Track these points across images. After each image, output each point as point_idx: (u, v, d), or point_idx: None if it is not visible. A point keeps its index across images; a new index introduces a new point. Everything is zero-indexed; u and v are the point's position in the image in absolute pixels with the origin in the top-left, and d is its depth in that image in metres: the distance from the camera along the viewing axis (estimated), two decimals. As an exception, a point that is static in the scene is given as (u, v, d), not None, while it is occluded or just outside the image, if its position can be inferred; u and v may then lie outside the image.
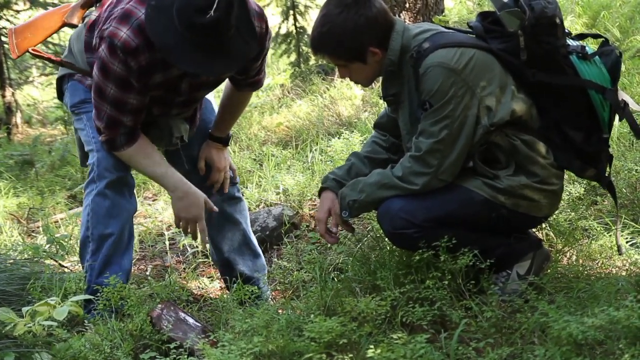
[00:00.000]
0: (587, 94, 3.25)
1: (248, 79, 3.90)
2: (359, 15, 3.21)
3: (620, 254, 3.51)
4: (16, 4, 11.96)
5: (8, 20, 11.61)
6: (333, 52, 3.31)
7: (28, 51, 3.87)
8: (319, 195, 3.58)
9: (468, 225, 3.22)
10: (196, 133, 4.04)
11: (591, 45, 3.41)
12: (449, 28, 3.41)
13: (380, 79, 3.40)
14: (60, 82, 3.96)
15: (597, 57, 3.29)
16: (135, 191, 3.91)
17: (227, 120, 4.08)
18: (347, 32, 3.21)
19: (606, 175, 3.41)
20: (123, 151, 3.67)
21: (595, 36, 3.63)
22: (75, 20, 3.87)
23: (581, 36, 3.47)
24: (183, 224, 3.77)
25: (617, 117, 3.36)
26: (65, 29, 4.04)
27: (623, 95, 3.28)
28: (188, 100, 3.80)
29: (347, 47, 3.25)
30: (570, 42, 3.30)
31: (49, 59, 3.96)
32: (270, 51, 11.94)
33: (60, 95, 4.02)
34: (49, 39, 10.00)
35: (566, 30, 3.27)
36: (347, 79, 7.96)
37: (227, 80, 3.99)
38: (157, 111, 3.76)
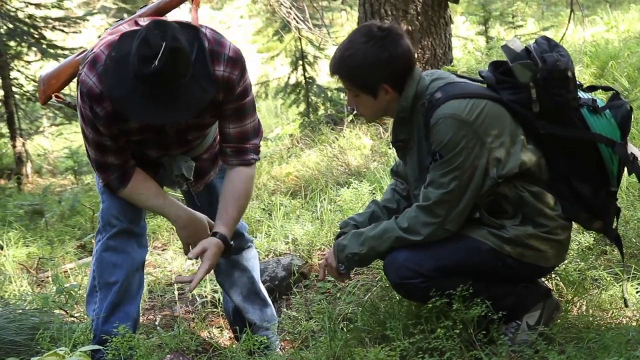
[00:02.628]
0: (597, 147, 3.26)
1: (229, 143, 3.67)
2: (382, 50, 3.24)
3: (626, 307, 3.50)
4: (27, 54, 12.05)
5: (19, 70, 11.68)
6: (349, 77, 3.34)
7: (51, 97, 3.93)
8: (336, 239, 3.54)
9: (474, 275, 3.22)
10: (219, 173, 3.97)
11: (601, 97, 3.42)
12: (461, 76, 3.43)
13: (390, 126, 3.41)
14: None
15: (607, 110, 3.31)
16: (146, 239, 3.89)
17: (228, 209, 3.69)
18: (366, 63, 3.24)
19: (613, 228, 3.41)
20: (121, 192, 3.67)
21: (606, 89, 3.64)
22: None
23: (592, 88, 3.49)
24: (193, 249, 3.68)
25: (626, 170, 3.36)
26: None
27: (632, 149, 3.29)
28: (182, 141, 3.72)
29: (362, 76, 3.28)
30: (581, 94, 3.32)
31: (69, 104, 4.01)
32: (280, 101, 12.02)
33: None
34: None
35: (577, 82, 3.29)
36: (355, 129, 8.04)
37: None
38: (154, 153, 3.74)
